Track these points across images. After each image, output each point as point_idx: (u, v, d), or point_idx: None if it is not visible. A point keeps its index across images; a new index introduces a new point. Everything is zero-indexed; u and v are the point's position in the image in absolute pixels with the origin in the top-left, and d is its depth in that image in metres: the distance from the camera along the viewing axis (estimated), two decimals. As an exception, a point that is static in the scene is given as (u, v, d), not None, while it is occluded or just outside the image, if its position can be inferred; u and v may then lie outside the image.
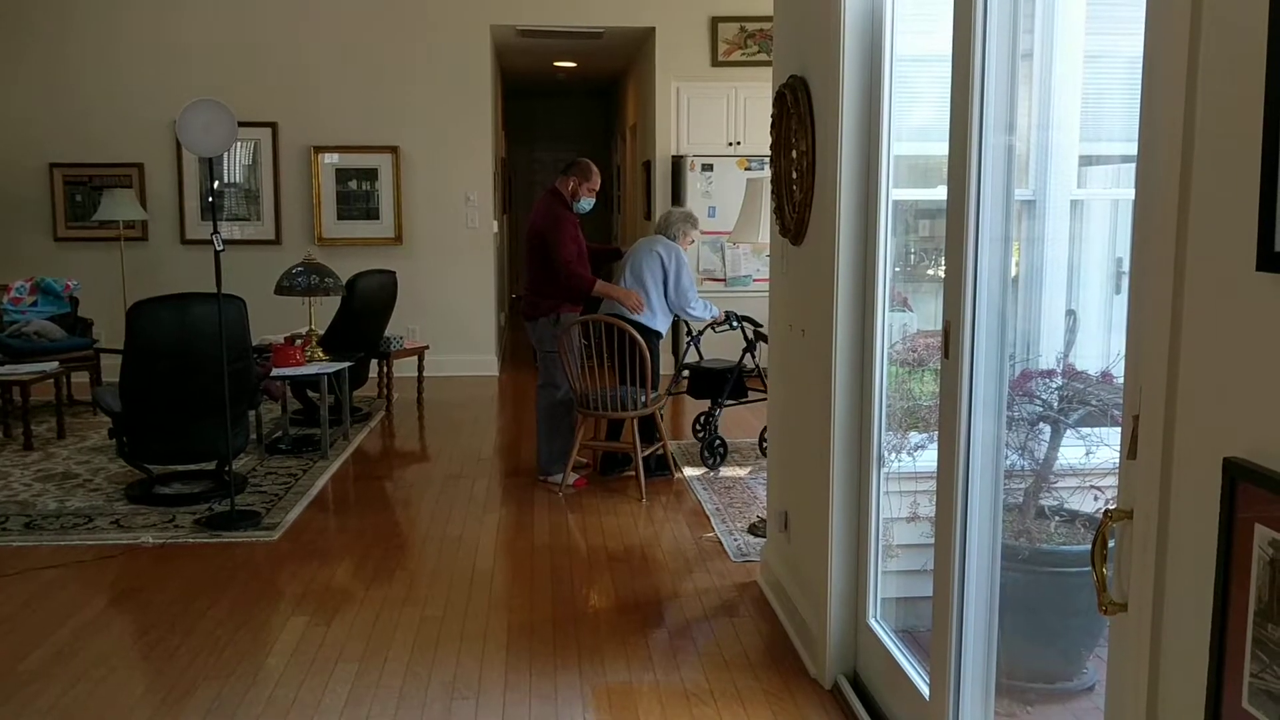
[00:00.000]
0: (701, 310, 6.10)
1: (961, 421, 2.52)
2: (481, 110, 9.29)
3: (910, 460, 3.32)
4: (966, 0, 2.45)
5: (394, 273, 7.76)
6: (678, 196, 9.25)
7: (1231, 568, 1.42)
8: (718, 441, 6.25)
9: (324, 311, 7.10)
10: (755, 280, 8.85)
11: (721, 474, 6.11)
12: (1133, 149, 1.69)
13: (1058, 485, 3.22)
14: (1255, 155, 1.35)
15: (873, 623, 3.31)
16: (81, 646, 3.76)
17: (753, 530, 5.01)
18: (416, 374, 8.20)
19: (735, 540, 4.92)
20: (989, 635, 2.56)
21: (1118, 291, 3.23)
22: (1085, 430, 3.08)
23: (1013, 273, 2.71)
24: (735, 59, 9.28)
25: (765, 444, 6.27)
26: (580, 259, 5.72)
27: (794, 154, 3.68)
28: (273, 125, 9.05)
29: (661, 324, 6.01)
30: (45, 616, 4.03)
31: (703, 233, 7.05)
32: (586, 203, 5.84)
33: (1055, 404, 3.14)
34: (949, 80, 2.55)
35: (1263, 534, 1.36)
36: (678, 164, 9.28)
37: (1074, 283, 3.44)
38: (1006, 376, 2.61)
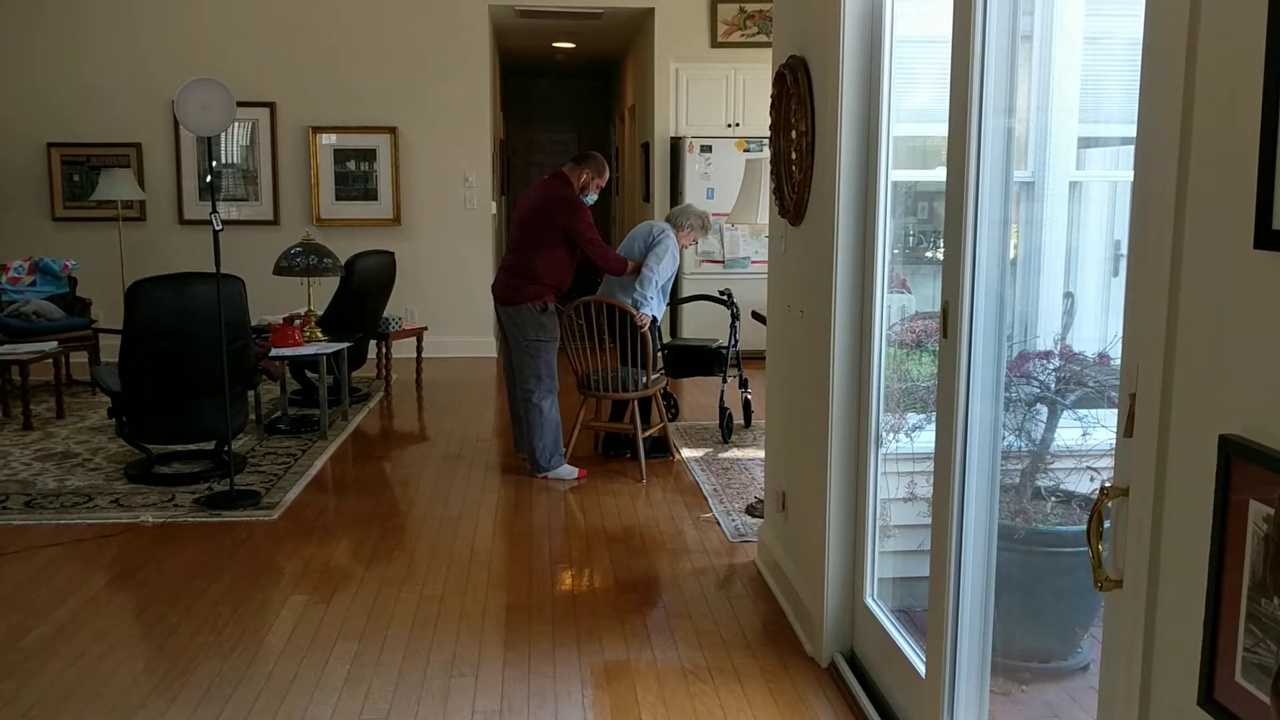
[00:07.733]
0: (652, 300, 5.70)
1: (959, 402, 2.54)
2: (480, 91, 9.27)
3: (908, 441, 3.33)
4: (967, -19, 2.45)
5: (392, 253, 7.75)
6: (676, 178, 9.24)
7: (1226, 543, 1.43)
8: (727, 413, 6.46)
9: (322, 292, 7.11)
10: (753, 262, 8.84)
11: (720, 456, 6.13)
12: (1132, 131, 1.69)
13: (1054, 466, 3.24)
14: (1254, 134, 1.35)
15: (869, 602, 3.33)
16: (82, 624, 3.78)
17: (750, 511, 5.03)
18: (415, 355, 8.21)
19: (733, 521, 4.94)
20: (985, 614, 2.58)
21: (1116, 274, 3.24)
22: (1082, 411, 3.10)
23: (1011, 254, 2.72)
24: (734, 40, 9.26)
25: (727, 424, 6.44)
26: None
27: (793, 134, 3.68)
28: (271, 105, 9.03)
29: (656, 307, 5.91)
30: (46, 594, 4.05)
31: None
32: (591, 196, 5.72)
33: (1052, 385, 3.15)
34: (949, 62, 2.55)
35: (1257, 510, 1.37)
36: (676, 145, 9.27)
37: (1072, 265, 3.45)
38: (1004, 358, 2.62)
